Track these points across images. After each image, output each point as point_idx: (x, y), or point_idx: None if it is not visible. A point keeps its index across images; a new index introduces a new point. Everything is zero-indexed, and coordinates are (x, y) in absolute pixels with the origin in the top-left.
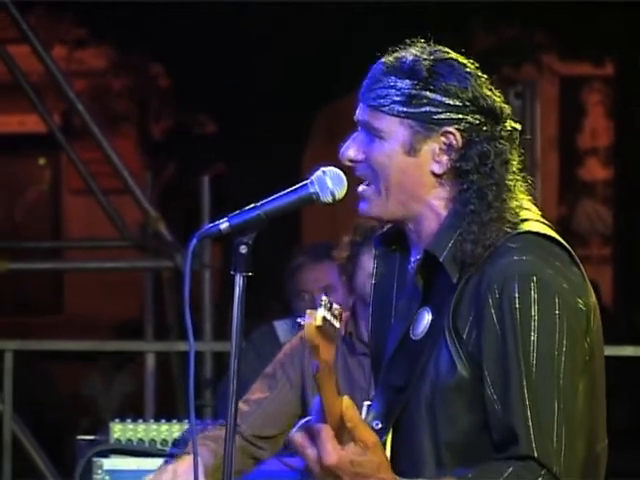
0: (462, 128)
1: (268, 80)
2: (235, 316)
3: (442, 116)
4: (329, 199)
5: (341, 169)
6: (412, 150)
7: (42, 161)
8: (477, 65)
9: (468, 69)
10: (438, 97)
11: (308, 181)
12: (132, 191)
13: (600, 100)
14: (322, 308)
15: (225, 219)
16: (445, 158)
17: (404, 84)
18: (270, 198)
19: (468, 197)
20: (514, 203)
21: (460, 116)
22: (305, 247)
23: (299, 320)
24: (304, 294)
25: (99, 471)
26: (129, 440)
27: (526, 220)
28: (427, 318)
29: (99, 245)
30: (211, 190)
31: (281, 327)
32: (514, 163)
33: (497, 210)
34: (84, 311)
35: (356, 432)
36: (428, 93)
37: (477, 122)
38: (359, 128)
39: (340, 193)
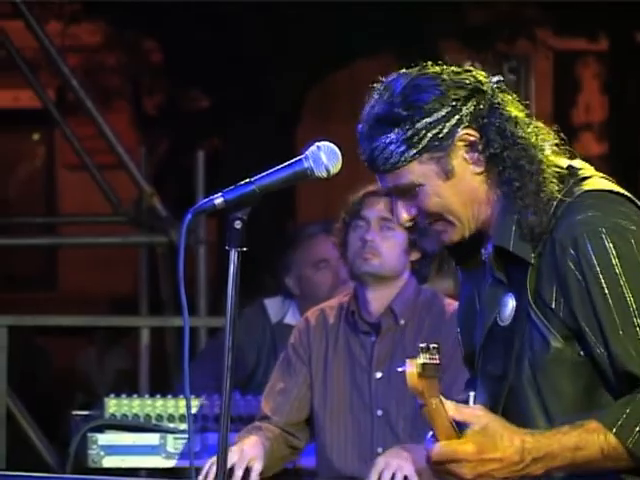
0: (467, 123)
1: (261, 55)
2: (230, 291)
3: (445, 130)
4: (323, 174)
5: (336, 144)
6: (448, 173)
7: (36, 136)
8: (438, 61)
9: (430, 73)
10: (429, 119)
11: (303, 156)
12: (126, 166)
13: (594, 75)
14: (421, 354)
15: (220, 194)
16: (475, 155)
17: (396, 134)
18: (265, 173)
19: (508, 176)
20: (551, 157)
21: (458, 116)
22: (295, 222)
23: (398, 369)
24: (322, 264)
25: (94, 446)
26: (124, 415)
27: (585, 178)
28: (512, 304)
29: (93, 221)
30: (205, 165)
31: (271, 305)
32: (521, 113)
33: (539, 172)
34: (78, 287)
35: (461, 418)
36: (419, 124)
37: (473, 107)
38: (393, 196)
39: (334, 168)
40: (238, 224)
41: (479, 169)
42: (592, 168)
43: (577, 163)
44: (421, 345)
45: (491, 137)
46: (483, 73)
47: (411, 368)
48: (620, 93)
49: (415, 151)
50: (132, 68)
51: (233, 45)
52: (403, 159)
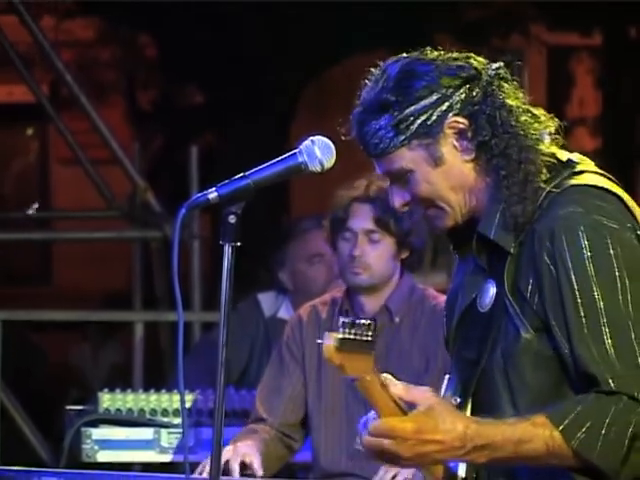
0: (458, 110)
1: (256, 50)
2: (224, 286)
3: (434, 117)
4: (317, 168)
5: (330, 139)
6: (437, 160)
7: (30, 131)
8: (433, 48)
9: (426, 59)
10: (419, 106)
11: (297, 150)
12: (120, 161)
13: (588, 70)
14: (340, 329)
15: (214, 189)
16: (465, 143)
17: (384, 119)
18: (259, 168)
19: (496, 164)
20: (549, 148)
21: (448, 103)
22: (304, 217)
23: (318, 341)
24: (316, 258)
25: (88, 441)
26: (118, 410)
27: (578, 173)
28: (492, 291)
29: (87, 215)
30: (199, 160)
31: (265, 299)
32: (517, 101)
33: (528, 162)
34: (72, 281)
35: (410, 398)
36: (408, 110)
37: (464, 95)
38: (388, 180)
39: (328, 162)
40: (232, 219)
41: (468, 157)
42: (592, 163)
43: (576, 157)
44: (343, 319)
45: (480, 125)
46: (482, 60)
47: (328, 341)
48: (614, 88)
49: (403, 137)
50: (127, 63)
51: (231, 43)
52: (392, 145)
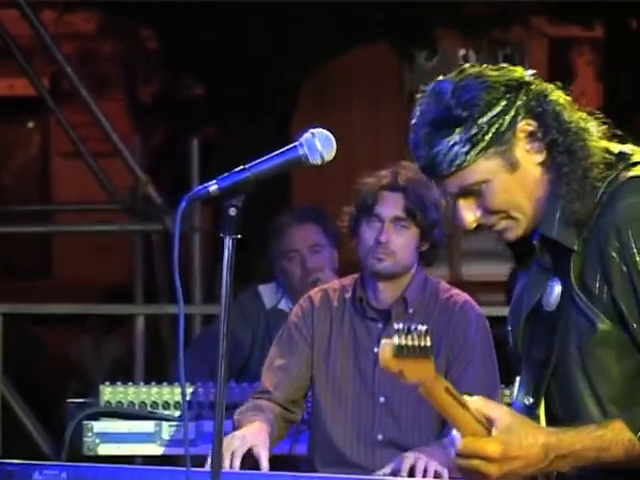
0: (524, 114)
1: (257, 42)
2: (224, 279)
3: (506, 123)
4: (318, 161)
5: (331, 132)
6: (513, 165)
7: (31, 124)
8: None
9: (473, 73)
10: (487, 116)
11: (297, 143)
12: (121, 154)
13: (589, 62)
14: (396, 336)
15: (214, 181)
16: (537, 145)
17: (458, 135)
18: (259, 160)
19: (560, 161)
20: (601, 142)
21: (514, 109)
22: (289, 209)
23: (374, 349)
24: (292, 254)
25: (89, 434)
26: (119, 403)
27: (634, 164)
28: (557, 289)
29: (88, 208)
30: (200, 153)
31: (266, 291)
32: (565, 99)
33: (587, 158)
34: (73, 275)
35: (488, 414)
36: (480, 120)
37: (525, 98)
38: (459, 200)
39: (329, 155)
40: (232, 211)
41: (541, 158)
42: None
43: (628, 148)
44: (397, 326)
45: (548, 124)
46: (519, 68)
47: (384, 348)
48: (615, 81)
49: (481, 147)
50: (127, 56)
51: (233, 38)
52: (469, 157)
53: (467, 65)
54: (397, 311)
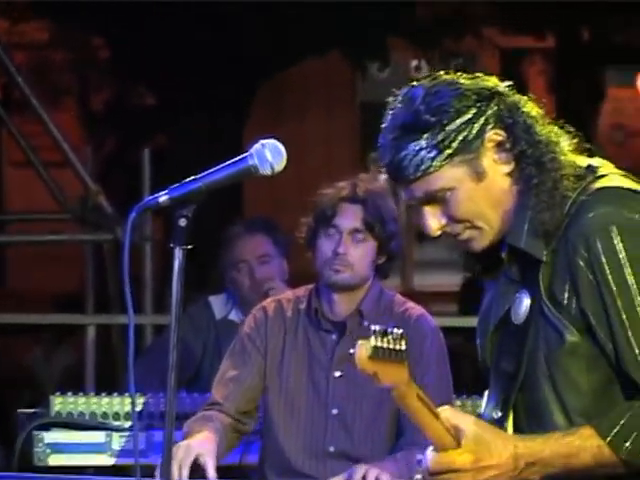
0: (493, 124)
1: (208, 52)
2: (175, 289)
3: (474, 131)
4: (268, 171)
5: (281, 142)
6: (480, 175)
7: None
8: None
9: (447, 79)
10: (456, 123)
11: (248, 154)
12: (72, 164)
13: (540, 72)
14: (373, 337)
15: (165, 192)
16: (504, 155)
17: (425, 140)
18: (210, 171)
19: (529, 172)
20: (570, 155)
21: (484, 117)
22: (240, 219)
23: (350, 351)
24: (241, 264)
25: (40, 444)
26: (69, 413)
27: (602, 176)
28: (526, 302)
29: (39, 218)
30: (151, 163)
31: (216, 302)
32: (537, 111)
33: (556, 170)
34: (25, 284)
35: (456, 423)
36: (449, 127)
37: (496, 107)
38: (424, 207)
39: (279, 166)
40: (183, 222)
41: (508, 169)
42: (612, 165)
43: (596, 161)
44: (375, 328)
45: (517, 135)
46: (493, 78)
47: (360, 349)
48: (566, 90)
49: (447, 154)
50: (79, 65)
51: (186, 47)
52: (435, 163)
53: (442, 72)
54: (352, 323)
